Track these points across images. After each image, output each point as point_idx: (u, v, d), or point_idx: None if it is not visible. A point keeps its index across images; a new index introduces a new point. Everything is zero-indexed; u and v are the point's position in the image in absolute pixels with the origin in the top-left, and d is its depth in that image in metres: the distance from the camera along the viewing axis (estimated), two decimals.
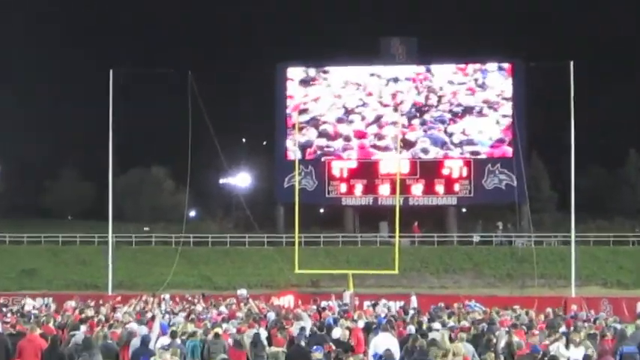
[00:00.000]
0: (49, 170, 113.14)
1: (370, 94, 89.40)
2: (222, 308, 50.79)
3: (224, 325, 37.49)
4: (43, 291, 72.66)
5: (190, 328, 35.95)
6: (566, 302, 60.13)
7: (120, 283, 73.72)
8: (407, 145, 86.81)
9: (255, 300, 55.62)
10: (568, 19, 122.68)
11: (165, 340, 30.83)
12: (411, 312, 48.70)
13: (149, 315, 42.69)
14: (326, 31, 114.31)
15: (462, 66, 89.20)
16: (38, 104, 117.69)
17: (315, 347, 27.31)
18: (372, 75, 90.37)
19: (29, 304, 58.10)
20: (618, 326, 36.60)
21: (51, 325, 37.17)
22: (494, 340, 32.91)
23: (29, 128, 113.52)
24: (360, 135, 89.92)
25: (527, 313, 44.74)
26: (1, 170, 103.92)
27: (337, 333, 33.52)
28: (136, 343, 30.48)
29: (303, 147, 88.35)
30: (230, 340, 32.44)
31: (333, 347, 30.33)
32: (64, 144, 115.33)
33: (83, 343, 28.66)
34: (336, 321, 39.26)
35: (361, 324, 38.84)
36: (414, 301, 59.44)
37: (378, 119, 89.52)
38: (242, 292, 64.18)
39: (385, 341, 31.29)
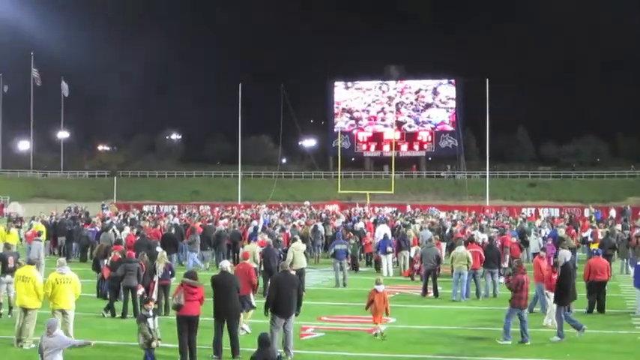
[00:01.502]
0: None
1: (379, 97, 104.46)
2: (297, 211, 58.15)
3: (297, 220, 45.36)
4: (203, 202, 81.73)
5: (280, 222, 42.84)
6: (483, 209, 69.08)
7: (244, 198, 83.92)
8: (399, 124, 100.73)
9: (314, 207, 63.88)
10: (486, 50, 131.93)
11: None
12: (400, 213, 56.34)
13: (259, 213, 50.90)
14: (353, 61, 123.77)
15: (429, 81, 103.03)
16: None
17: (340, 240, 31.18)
18: (380, 86, 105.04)
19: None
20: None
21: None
22: (444, 228, 40.11)
23: None
24: (373, 118, 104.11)
25: (462, 216, 52.56)
26: None
27: (360, 225, 39.72)
28: (250, 229, 35.55)
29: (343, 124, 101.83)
30: (300, 229, 37.43)
31: (352, 234, 35.09)
32: None
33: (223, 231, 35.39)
34: (359, 219, 45.74)
35: (372, 219, 45.69)
36: (408, 207, 65.92)
37: (382, 110, 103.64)
38: (307, 203, 70.87)
39: (383, 229, 35.81)
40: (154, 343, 15.77)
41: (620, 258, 33.82)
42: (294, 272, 24.56)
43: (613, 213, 61.63)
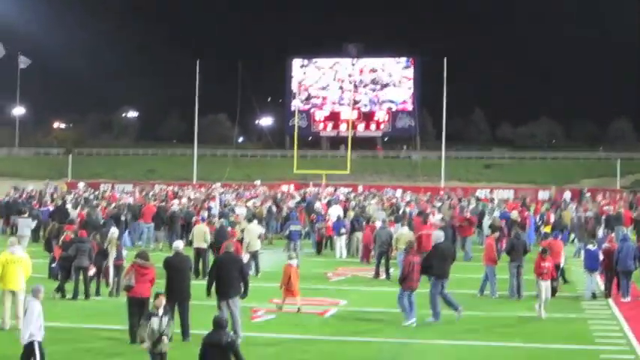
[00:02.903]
0: None
1: (337, 75, 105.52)
2: (248, 192, 56.13)
3: (252, 201, 44.70)
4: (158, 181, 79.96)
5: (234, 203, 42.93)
6: (438, 190, 69.29)
7: (200, 177, 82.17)
8: (355, 102, 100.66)
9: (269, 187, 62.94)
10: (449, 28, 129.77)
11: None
12: (352, 195, 55.96)
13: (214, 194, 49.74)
14: (311, 37, 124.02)
15: (387, 60, 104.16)
16: None
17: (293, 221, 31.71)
18: (338, 63, 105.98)
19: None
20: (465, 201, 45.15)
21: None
22: (398, 209, 39.42)
23: None
24: (330, 97, 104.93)
25: (416, 197, 52.28)
26: None
27: (317, 206, 39.73)
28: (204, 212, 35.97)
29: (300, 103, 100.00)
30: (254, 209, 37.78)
31: (314, 216, 36.15)
32: None
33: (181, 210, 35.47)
34: (314, 200, 45.07)
35: (325, 201, 44.84)
36: (360, 188, 66.66)
37: (340, 88, 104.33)
38: (257, 182, 68.98)
39: (336, 210, 36.78)
40: (160, 347, 14.15)
41: (578, 241, 34.04)
42: (247, 254, 24.79)
43: (567, 195, 61.57)
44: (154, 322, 14.12)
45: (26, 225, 31.92)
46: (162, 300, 14.66)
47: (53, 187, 60.02)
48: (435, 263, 20.04)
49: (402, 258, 24.15)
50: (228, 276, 17.11)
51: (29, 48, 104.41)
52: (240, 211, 36.51)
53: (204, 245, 26.24)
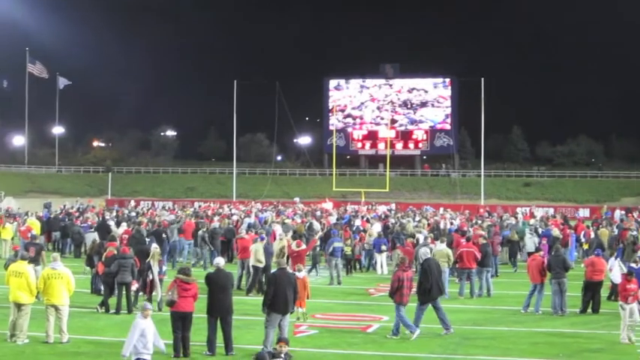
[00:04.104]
0: None
1: (374, 95, 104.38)
2: (289, 210, 55.90)
3: (291, 218, 44.96)
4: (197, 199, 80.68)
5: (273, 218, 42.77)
6: (477, 208, 68.38)
7: (239, 195, 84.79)
8: (393, 122, 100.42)
9: (307, 205, 63.33)
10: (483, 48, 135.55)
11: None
12: (394, 212, 56.02)
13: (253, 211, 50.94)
14: (348, 58, 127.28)
15: (424, 80, 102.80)
16: None
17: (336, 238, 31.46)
18: (375, 85, 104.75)
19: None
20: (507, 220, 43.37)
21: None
22: (442, 226, 39.45)
23: None
24: (368, 117, 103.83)
25: (456, 214, 52.49)
26: None
27: (357, 223, 40.80)
28: (244, 226, 35.73)
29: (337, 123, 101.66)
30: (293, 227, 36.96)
31: (350, 233, 34.85)
32: None
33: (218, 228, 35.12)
34: (354, 217, 45.90)
35: (366, 218, 44.63)
36: (392, 206, 65.98)
37: (378, 108, 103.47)
38: (297, 199, 71.31)
39: (377, 228, 36.95)
40: None
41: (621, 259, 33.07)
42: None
43: (618, 214, 59.72)
44: None
45: (91, 240, 31.16)
46: (284, 346, 14.30)
47: (83, 204, 59.79)
48: (433, 285, 19.98)
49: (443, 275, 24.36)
50: (285, 292, 17.31)
51: (68, 69, 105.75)
52: (277, 227, 36.17)
53: (261, 265, 26.05)
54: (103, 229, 34.95)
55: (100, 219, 40.70)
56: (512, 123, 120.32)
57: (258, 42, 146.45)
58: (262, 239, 26.84)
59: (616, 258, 26.19)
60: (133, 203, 64.82)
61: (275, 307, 17.16)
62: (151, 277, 22.42)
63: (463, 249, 26.88)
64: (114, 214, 47.51)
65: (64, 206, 55.58)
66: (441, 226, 39.84)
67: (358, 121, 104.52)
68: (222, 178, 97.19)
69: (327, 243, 31.54)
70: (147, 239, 29.38)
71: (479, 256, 26.60)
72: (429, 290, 19.78)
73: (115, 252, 23.50)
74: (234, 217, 43.77)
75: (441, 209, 57.19)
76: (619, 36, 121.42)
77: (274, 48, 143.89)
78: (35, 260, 23.70)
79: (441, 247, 26.74)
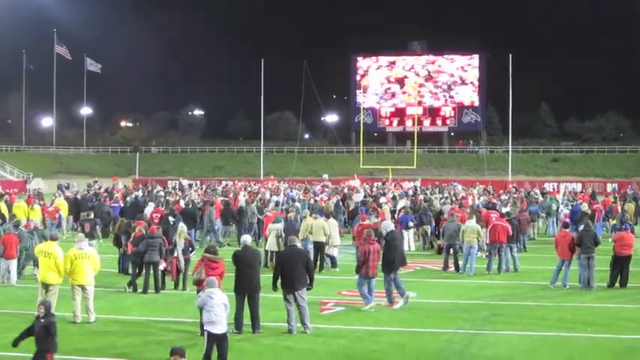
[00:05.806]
0: None
1: (402, 72, 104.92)
2: (318, 187, 55.88)
3: (320, 195, 44.91)
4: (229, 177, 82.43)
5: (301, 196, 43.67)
6: (506, 184, 68.52)
7: (266, 173, 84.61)
8: (421, 99, 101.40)
9: (334, 183, 62.11)
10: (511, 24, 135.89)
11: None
12: (421, 188, 54.91)
13: (281, 189, 50.33)
14: (376, 35, 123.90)
15: (452, 56, 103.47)
16: None
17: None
18: (403, 60, 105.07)
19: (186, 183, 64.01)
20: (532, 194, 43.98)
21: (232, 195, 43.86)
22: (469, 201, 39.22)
23: None
24: (396, 94, 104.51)
25: (483, 189, 52.50)
26: None
27: (383, 200, 40.01)
28: (271, 204, 36.41)
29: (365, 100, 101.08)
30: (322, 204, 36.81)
31: (379, 209, 33.87)
32: None
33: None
34: (381, 194, 45.05)
35: (390, 195, 44.46)
36: (418, 182, 65.06)
37: (406, 84, 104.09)
38: (325, 176, 71.52)
39: (403, 203, 37.15)
40: None
41: None
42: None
43: None
44: None
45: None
46: None
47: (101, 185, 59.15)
48: (396, 256, 20.29)
49: (467, 252, 25.36)
50: (293, 269, 17.15)
51: (96, 50, 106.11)
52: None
53: (323, 239, 26.40)
54: (134, 208, 35.18)
55: (133, 197, 41.33)
56: (540, 99, 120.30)
57: (286, 20, 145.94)
58: (279, 221, 26.89)
59: None
60: (185, 182, 64.99)
61: (282, 283, 17.24)
62: (175, 254, 22.44)
63: (498, 222, 26.79)
64: (143, 193, 47.50)
65: (92, 184, 55.34)
66: (469, 202, 39.24)
67: (386, 97, 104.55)
68: (250, 156, 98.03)
69: (354, 220, 31.31)
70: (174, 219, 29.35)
71: (510, 231, 26.37)
72: (393, 260, 20.08)
73: (144, 231, 23.49)
74: (266, 195, 44.15)
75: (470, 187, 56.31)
76: None
77: (302, 25, 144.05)
78: (91, 235, 26.24)
79: (471, 223, 26.51)
